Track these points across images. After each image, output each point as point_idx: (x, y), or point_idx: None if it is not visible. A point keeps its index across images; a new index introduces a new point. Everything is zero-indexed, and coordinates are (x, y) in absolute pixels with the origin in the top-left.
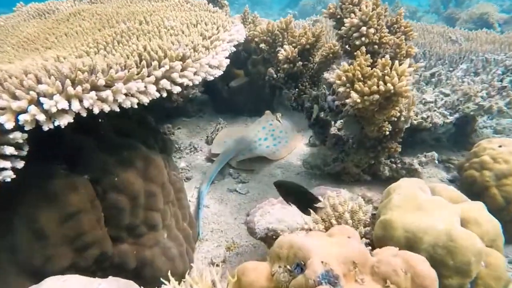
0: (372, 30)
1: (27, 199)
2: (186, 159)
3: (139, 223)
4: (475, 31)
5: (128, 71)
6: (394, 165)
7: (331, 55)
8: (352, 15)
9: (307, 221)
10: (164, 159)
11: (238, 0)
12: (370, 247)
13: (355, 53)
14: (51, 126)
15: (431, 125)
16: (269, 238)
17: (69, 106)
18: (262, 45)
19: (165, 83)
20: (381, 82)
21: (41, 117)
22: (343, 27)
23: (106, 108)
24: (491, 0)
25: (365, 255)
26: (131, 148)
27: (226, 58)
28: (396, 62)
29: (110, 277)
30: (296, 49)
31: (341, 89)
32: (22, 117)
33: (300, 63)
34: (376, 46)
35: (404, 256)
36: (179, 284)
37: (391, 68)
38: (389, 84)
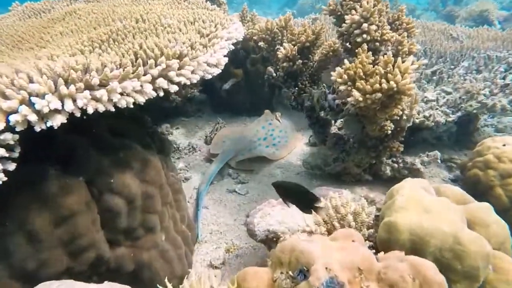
0: (373, 27)
1: (20, 202)
2: (185, 159)
3: (136, 226)
4: (476, 28)
5: (124, 70)
6: (395, 165)
7: (331, 53)
8: (353, 11)
9: (308, 223)
10: (161, 159)
11: None
12: (374, 250)
13: (356, 50)
14: (44, 127)
15: (433, 123)
16: (270, 240)
17: (62, 106)
18: (261, 44)
19: (161, 82)
20: (383, 80)
21: (33, 118)
22: (343, 24)
23: (101, 108)
24: None
25: (371, 260)
26: (127, 148)
27: (225, 56)
28: (399, 59)
29: (105, 282)
30: (295, 47)
31: (342, 88)
32: (12, 118)
33: (300, 61)
34: (377, 43)
35: (411, 262)
36: None
37: (393, 66)
38: (392, 82)
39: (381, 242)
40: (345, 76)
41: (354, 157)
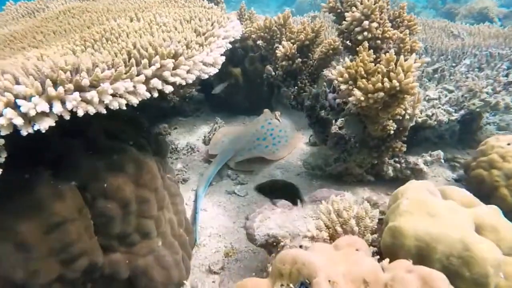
0: (374, 24)
1: (8, 208)
2: (183, 160)
3: (131, 231)
4: (477, 25)
5: (116, 70)
6: (398, 165)
7: (331, 51)
8: (354, 8)
9: (310, 228)
10: (157, 161)
11: None
12: (378, 256)
13: (357, 48)
14: (31, 131)
15: (436, 122)
16: (270, 245)
17: (50, 108)
18: (260, 42)
19: (156, 82)
20: (385, 79)
21: (19, 121)
22: (344, 22)
23: (92, 110)
24: None
25: (377, 272)
26: (121, 151)
27: (222, 55)
28: (401, 57)
29: None
30: (294, 45)
31: (343, 87)
32: None
33: (299, 60)
34: (379, 41)
35: (420, 273)
36: None
37: (396, 64)
38: (394, 81)
39: (386, 248)
40: (346, 75)
41: (355, 157)
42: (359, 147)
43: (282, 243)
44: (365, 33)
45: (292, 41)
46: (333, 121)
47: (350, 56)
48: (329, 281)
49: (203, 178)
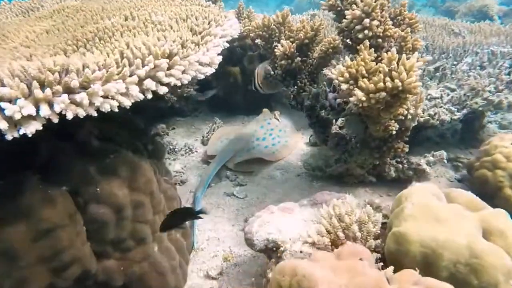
0: (375, 22)
1: None
2: (181, 160)
3: (126, 237)
4: (478, 23)
5: (107, 71)
6: (400, 166)
7: (331, 50)
8: (354, 6)
9: (310, 233)
10: (153, 164)
11: None
12: (382, 263)
13: (357, 47)
14: (16, 135)
15: (438, 122)
16: (269, 250)
17: (37, 111)
18: (258, 41)
19: (149, 83)
20: (387, 78)
21: (3, 125)
22: (344, 20)
23: (81, 113)
24: None
25: (382, 285)
26: (114, 154)
27: (219, 54)
28: (404, 56)
29: None
30: (294, 44)
31: (343, 87)
32: None
33: (299, 59)
34: (380, 40)
35: (428, 286)
36: None
37: (398, 63)
38: (397, 80)
39: (390, 254)
40: (347, 75)
41: (357, 158)
42: (360, 147)
43: (281, 248)
44: (366, 32)
45: (291, 39)
46: (334, 121)
47: (351, 55)
48: None
49: (201, 180)
